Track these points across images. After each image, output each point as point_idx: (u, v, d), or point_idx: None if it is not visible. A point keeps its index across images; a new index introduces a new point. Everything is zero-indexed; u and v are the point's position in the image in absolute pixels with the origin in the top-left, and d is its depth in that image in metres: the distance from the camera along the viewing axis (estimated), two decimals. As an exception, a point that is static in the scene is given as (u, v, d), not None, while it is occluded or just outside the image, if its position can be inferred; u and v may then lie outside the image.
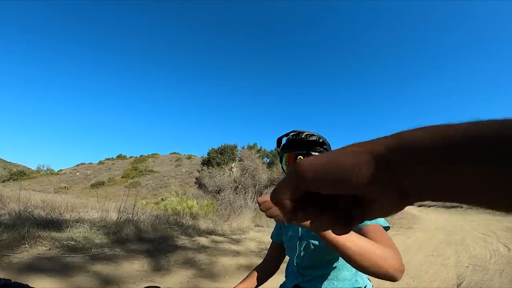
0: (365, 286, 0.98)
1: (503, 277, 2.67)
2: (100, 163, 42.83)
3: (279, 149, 1.09)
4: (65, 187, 30.25)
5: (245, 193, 10.30)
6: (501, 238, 4.71)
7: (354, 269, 0.96)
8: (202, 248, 3.81)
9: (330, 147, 1.06)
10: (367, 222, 0.82)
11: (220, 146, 16.47)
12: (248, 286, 1.11)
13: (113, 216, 4.27)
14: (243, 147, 15.47)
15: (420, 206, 17.39)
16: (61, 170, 41.84)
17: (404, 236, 6.00)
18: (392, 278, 0.64)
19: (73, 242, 2.91)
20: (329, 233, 0.68)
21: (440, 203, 15.45)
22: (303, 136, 1.02)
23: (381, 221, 0.86)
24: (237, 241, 4.70)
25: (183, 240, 3.96)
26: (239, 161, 13.94)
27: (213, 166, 14.19)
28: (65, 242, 2.86)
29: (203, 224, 5.29)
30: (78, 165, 43.01)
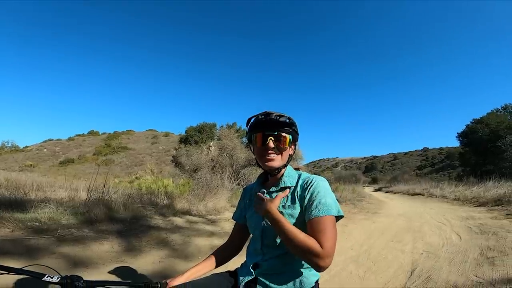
0: None
1: (452, 265, 2.90)
2: (70, 139, 40.56)
3: (247, 129, 1.10)
4: (31, 165, 28.47)
5: (222, 172, 10.32)
6: (454, 227, 5.11)
7: None
8: (176, 228, 3.83)
9: (298, 130, 1.09)
10: (320, 213, 0.91)
11: (198, 124, 16.14)
12: (210, 265, 1.14)
13: (83, 195, 4.12)
14: (222, 126, 15.27)
15: (387, 192, 18.60)
16: (27, 146, 39.21)
17: (370, 221, 6.42)
18: (313, 266, 0.88)
19: (38, 223, 2.78)
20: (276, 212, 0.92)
21: (405, 190, 16.62)
22: (273, 117, 1.03)
23: (334, 210, 0.95)
24: (212, 222, 4.77)
25: (156, 220, 3.94)
26: (218, 140, 13.81)
27: (190, 145, 13.98)
28: (29, 223, 2.73)
29: (178, 203, 5.27)
30: (45, 141, 40.41)
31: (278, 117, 1.03)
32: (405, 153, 60.59)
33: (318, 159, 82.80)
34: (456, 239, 4.16)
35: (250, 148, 1.12)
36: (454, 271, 2.72)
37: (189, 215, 4.87)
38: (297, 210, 0.99)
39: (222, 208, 6.00)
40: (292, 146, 1.10)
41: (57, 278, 0.76)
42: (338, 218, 0.97)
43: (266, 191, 1.09)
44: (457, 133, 19.04)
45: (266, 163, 1.03)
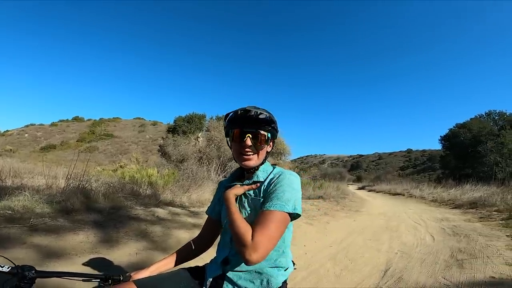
0: (287, 268, 1.05)
1: (423, 266, 3.00)
2: (53, 124, 39.23)
3: (225, 124, 1.08)
4: (10, 149, 27.28)
5: (208, 164, 10.26)
6: (429, 227, 5.30)
7: (281, 250, 1.03)
8: (157, 220, 3.78)
9: (277, 127, 1.08)
10: (271, 207, 0.90)
11: (188, 114, 15.87)
12: (178, 259, 1.13)
13: (61, 183, 3.98)
14: (211, 118, 15.10)
15: (370, 191, 19.07)
16: (7, 131, 37.74)
17: (351, 219, 6.57)
18: (241, 258, 0.84)
19: (10, 212, 2.67)
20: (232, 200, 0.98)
21: (387, 190, 17.09)
22: (252, 114, 1.00)
23: (288, 207, 0.92)
24: (195, 214, 4.74)
25: (137, 211, 3.87)
26: (206, 131, 13.68)
27: (178, 135, 13.77)
28: (1, 212, 2.62)
29: (161, 194, 5.21)
30: (27, 126, 39.00)
31: (257, 114, 1.00)
32: (390, 154, 62.19)
33: (306, 155, 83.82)
34: (429, 240, 4.32)
35: (227, 142, 1.10)
36: (424, 272, 2.82)
37: (172, 206, 4.82)
38: (260, 202, 0.98)
39: (206, 201, 5.97)
40: (271, 143, 1.09)
41: (8, 268, 0.74)
42: (295, 216, 0.96)
43: (240, 184, 1.08)
44: (440, 136, 19.69)
45: (243, 162, 1.03)
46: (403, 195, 13.91)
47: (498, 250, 3.44)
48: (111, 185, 4.61)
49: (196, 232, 3.65)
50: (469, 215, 6.86)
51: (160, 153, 13.33)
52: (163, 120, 39.69)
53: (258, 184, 1.03)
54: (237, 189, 1.01)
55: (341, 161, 70.77)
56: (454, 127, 18.63)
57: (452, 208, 8.64)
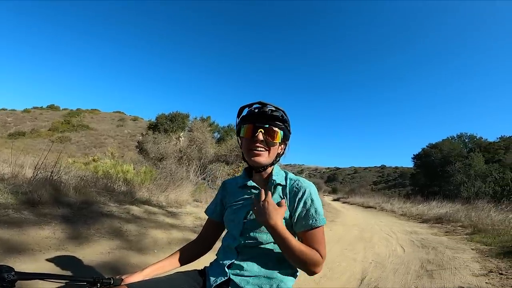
0: (294, 272, 1.02)
1: (396, 276, 3.11)
2: (26, 111, 36.72)
3: (237, 120, 1.05)
4: (-25, 134, 25.04)
5: (188, 165, 10.03)
6: (400, 239, 5.51)
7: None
8: (132, 218, 3.59)
9: (290, 126, 1.06)
10: (318, 224, 0.94)
11: (171, 112, 15.50)
12: (175, 262, 1.05)
13: (28, 173, 3.67)
14: (195, 118, 14.87)
15: (344, 203, 19.61)
16: (-26, 114, 34.49)
17: (327, 228, 6.67)
18: (308, 273, 0.91)
19: (-34, 199, 2.41)
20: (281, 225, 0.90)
21: (360, 202, 17.63)
22: (266, 109, 0.99)
23: (324, 219, 0.97)
24: (172, 214, 4.58)
25: (110, 207, 3.65)
26: (189, 131, 13.42)
27: (160, 132, 13.38)
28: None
29: (137, 192, 4.97)
30: (-3, 110, 36.00)
31: (271, 111, 1.00)
32: (365, 168, 64.63)
33: (285, 164, 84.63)
34: (400, 251, 4.48)
35: (238, 141, 1.08)
36: (398, 281, 2.90)
37: (148, 205, 4.62)
38: (286, 212, 0.96)
39: (184, 201, 5.80)
40: (282, 145, 1.07)
41: None
42: None
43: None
44: (414, 154, 20.78)
45: (253, 158, 0.98)
46: (375, 208, 14.42)
47: (465, 262, 3.63)
48: (84, 178, 4.34)
49: (174, 233, 3.55)
50: (435, 229, 7.22)
51: (138, 150, 12.85)
52: (144, 116, 38.56)
53: (284, 201, 1.00)
54: (282, 211, 0.92)
55: (318, 172, 72.33)
56: (427, 146, 19.76)
57: (420, 222, 9.06)
